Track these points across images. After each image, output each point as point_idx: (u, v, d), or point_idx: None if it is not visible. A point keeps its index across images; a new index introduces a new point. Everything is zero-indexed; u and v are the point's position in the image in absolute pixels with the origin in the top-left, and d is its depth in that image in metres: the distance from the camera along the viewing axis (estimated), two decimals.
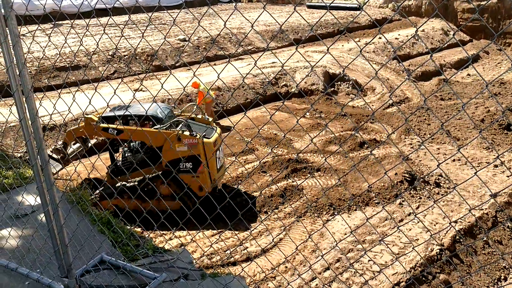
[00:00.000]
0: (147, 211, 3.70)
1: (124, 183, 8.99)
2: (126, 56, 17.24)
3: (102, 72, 15.90)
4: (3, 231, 4.56)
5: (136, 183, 9.04)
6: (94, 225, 4.60)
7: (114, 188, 8.61)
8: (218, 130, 9.07)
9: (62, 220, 3.49)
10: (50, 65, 15.12)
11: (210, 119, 9.51)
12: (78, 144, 9.41)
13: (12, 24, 3.07)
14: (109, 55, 17.23)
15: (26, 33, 16.49)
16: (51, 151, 8.95)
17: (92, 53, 16.37)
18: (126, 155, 8.99)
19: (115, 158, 9.24)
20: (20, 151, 10.28)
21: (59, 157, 8.88)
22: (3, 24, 3.10)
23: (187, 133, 8.23)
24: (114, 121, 8.62)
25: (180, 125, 8.53)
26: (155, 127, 8.38)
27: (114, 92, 3.15)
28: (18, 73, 3.21)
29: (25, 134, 3.39)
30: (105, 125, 8.48)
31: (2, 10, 3.10)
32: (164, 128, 8.34)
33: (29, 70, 14.42)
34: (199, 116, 9.47)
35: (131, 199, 7.69)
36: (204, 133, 8.48)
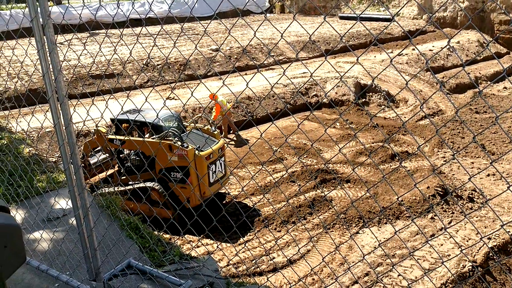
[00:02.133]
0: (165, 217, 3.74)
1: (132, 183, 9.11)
2: (160, 65, 17.56)
3: (135, 80, 16.23)
4: (35, 233, 4.68)
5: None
6: (122, 229, 4.66)
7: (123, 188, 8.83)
8: (220, 143, 9.06)
9: (92, 224, 3.56)
10: (86, 73, 15.56)
11: (217, 131, 9.54)
12: (104, 155, 9.66)
13: (50, 32, 3.17)
14: (143, 64, 17.60)
15: (64, 42, 17.03)
16: None
17: (126, 61, 16.74)
18: (132, 157, 9.27)
19: (122, 159, 9.53)
20: (55, 155, 10.57)
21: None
22: (40, 32, 3.20)
23: (179, 143, 8.31)
24: (123, 123, 9.00)
25: (175, 135, 8.59)
26: (153, 136, 8.60)
27: (146, 100, 3.20)
28: (53, 79, 3.31)
29: (59, 139, 3.48)
30: (111, 136, 8.97)
31: (40, 19, 3.21)
32: (159, 137, 8.48)
33: (65, 78, 14.86)
34: (206, 127, 9.53)
35: (136, 203, 7.94)
36: (198, 145, 8.49)
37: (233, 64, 18.62)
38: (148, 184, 8.57)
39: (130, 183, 8.86)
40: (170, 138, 8.46)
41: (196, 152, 8.28)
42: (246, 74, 17.55)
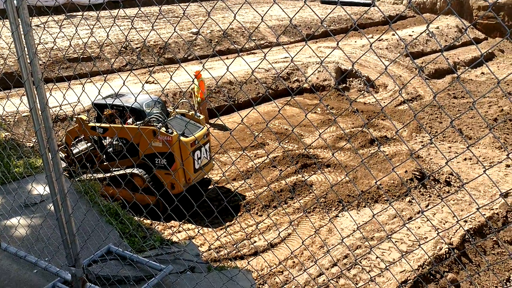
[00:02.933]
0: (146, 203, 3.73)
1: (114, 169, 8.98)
2: (139, 49, 17.30)
3: (111, 64, 15.96)
4: (12, 219, 4.61)
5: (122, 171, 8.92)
6: (101, 215, 4.63)
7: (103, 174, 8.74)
8: (205, 129, 8.96)
9: (70, 210, 3.52)
10: (62, 56, 15.24)
11: (202, 116, 9.44)
12: (87, 145, 9.51)
13: (24, 13, 3.08)
14: (121, 47, 17.30)
15: (40, 24, 16.60)
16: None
17: (104, 44, 16.44)
18: (114, 142, 9.17)
19: (105, 145, 9.41)
20: (32, 140, 10.39)
21: (63, 156, 9.21)
22: (14, 13, 3.11)
23: (164, 129, 8.19)
24: (103, 108, 8.83)
25: (159, 121, 8.46)
26: (137, 122, 8.47)
27: (123, 84, 3.15)
28: (29, 62, 3.22)
29: (35, 124, 3.41)
30: (93, 124, 8.81)
31: (15, 1, 3.11)
32: (142, 123, 8.36)
33: (41, 61, 14.53)
34: (190, 113, 9.40)
35: (116, 189, 7.91)
36: (183, 131, 8.38)
37: (213, 48, 18.45)
38: (131, 170, 8.48)
39: (112, 169, 8.77)
40: (153, 124, 8.37)
41: (181, 138, 8.20)
42: (227, 58, 17.41)
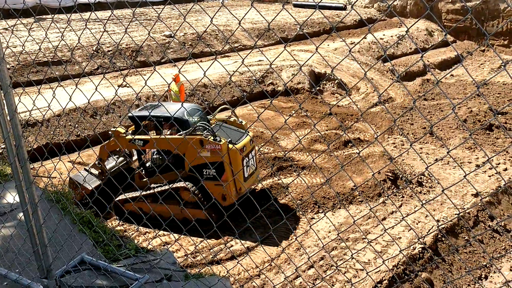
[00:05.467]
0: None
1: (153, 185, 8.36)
2: (111, 52, 17.04)
3: (84, 68, 15.68)
4: None
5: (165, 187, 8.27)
6: (74, 224, 4.51)
7: (142, 191, 8.20)
8: (250, 135, 8.43)
9: (42, 220, 3.41)
10: (32, 60, 14.87)
11: (244, 122, 8.83)
12: (121, 159, 9.03)
13: None
14: (93, 50, 17.01)
15: (8, 28, 16.17)
16: (90, 167, 8.84)
17: (74, 48, 16.12)
18: (154, 156, 8.68)
19: (143, 159, 8.90)
20: (1, 146, 10.08)
21: (97, 172, 8.74)
22: None
23: (212, 137, 7.73)
24: (142, 120, 8.34)
25: (205, 129, 7.97)
26: (180, 133, 8.02)
27: (96, 89, 3.07)
28: None
29: (3, 131, 3.30)
30: (130, 136, 8.30)
31: None
32: (187, 132, 7.86)
33: (10, 65, 14.16)
34: (232, 119, 8.82)
35: (157, 204, 7.52)
36: (230, 138, 7.88)
37: (188, 51, 18.34)
38: (179, 184, 7.92)
39: (153, 185, 8.20)
40: (199, 133, 7.86)
41: (230, 145, 7.67)
42: (201, 61, 17.33)
